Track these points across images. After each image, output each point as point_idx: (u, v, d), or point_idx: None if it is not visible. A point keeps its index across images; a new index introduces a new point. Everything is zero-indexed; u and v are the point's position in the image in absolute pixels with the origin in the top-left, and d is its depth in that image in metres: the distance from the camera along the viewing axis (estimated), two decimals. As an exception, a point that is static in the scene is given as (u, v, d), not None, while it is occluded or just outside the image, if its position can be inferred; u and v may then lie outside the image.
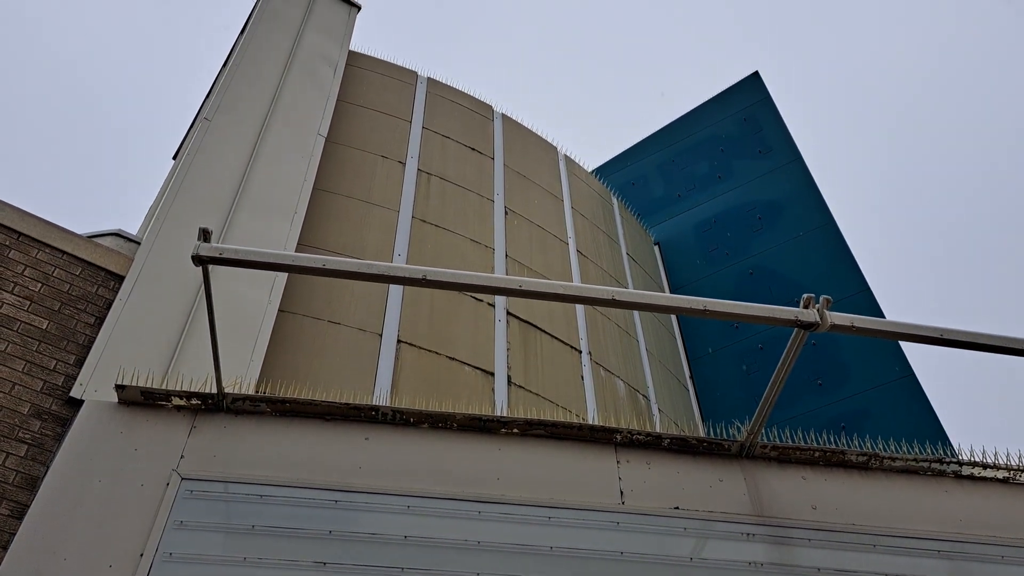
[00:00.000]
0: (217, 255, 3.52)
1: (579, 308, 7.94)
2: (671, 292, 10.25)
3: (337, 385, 5.19)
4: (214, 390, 4.07)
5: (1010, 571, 4.06)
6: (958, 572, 4.05)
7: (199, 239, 3.52)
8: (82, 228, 4.99)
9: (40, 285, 4.29)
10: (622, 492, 4.23)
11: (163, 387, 4.07)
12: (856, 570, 3.99)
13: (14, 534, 3.44)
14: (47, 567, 3.36)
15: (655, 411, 7.97)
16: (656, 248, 10.85)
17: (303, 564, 3.59)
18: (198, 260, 3.52)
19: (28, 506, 3.58)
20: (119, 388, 3.98)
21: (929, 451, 4.61)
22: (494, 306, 7.09)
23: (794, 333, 3.94)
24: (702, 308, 3.85)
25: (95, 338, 4.29)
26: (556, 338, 7.43)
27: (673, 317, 9.98)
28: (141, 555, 3.47)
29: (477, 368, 6.51)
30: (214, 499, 3.75)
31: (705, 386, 9.04)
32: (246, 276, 5.19)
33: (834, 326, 3.85)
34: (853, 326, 3.84)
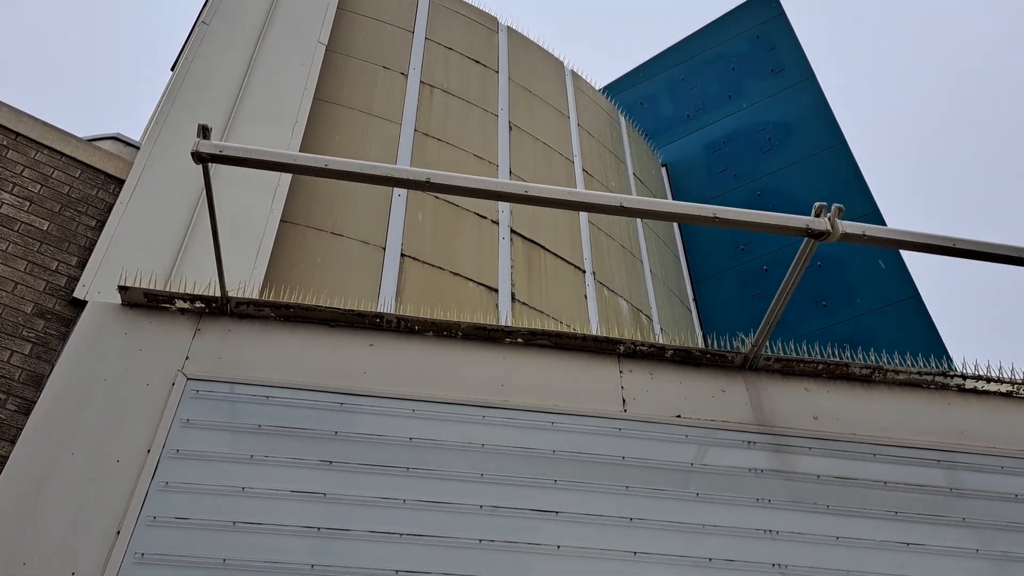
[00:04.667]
0: (217, 152, 3.45)
1: (584, 228, 7.87)
2: (676, 215, 10.14)
3: (341, 296, 5.17)
4: (218, 294, 4.04)
5: (1009, 481, 4.10)
6: (956, 481, 4.09)
7: (199, 136, 3.44)
8: (79, 134, 4.89)
9: (39, 186, 4.22)
10: (624, 400, 4.25)
11: (166, 290, 4.05)
12: (855, 478, 4.03)
13: (21, 428, 3.46)
14: (55, 461, 3.39)
15: (658, 330, 7.98)
16: (663, 170, 10.71)
17: (309, 463, 3.63)
18: (198, 158, 3.45)
19: (34, 402, 3.60)
20: (122, 290, 3.96)
21: (934, 365, 4.61)
22: (498, 224, 7.02)
23: (804, 243, 3.89)
24: (712, 215, 3.79)
25: (96, 240, 4.25)
26: (560, 257, 7.38)
27: (678, 238, 9.91)
28: (148, 451, 3.50)
29: (481, 284, 6.48)
30: (220, 399, 3.77)
31: (708, 308, 9.04)
32: (248, 183, 5.12)
33: (845, 235, 3.79)
34: (864, 235, 3.78)
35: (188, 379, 3.79)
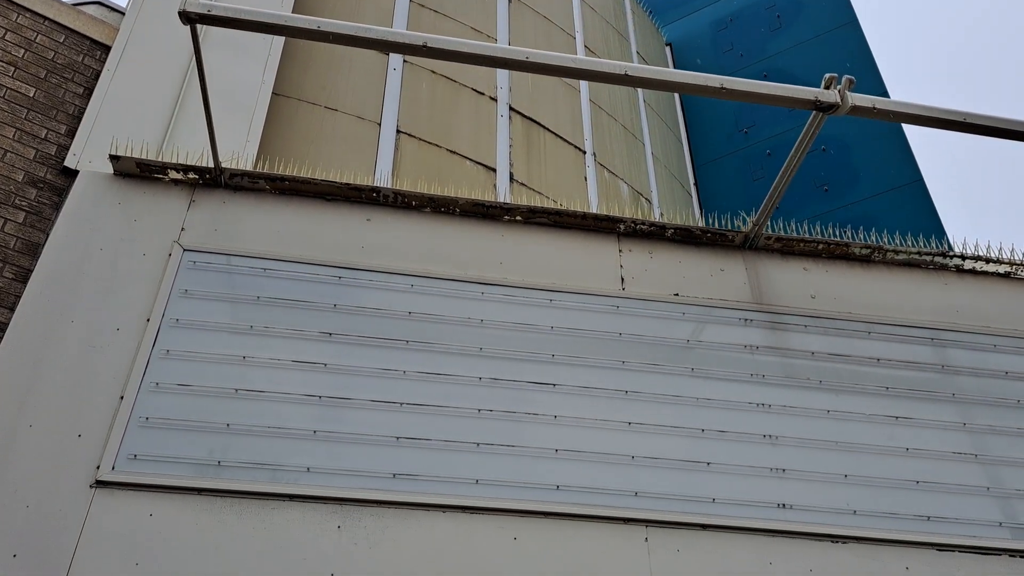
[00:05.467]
0: (205, 12, 3.29)
1: (585, 107, 7.68)
2: (681, 99, 9.91)
3: (336, 171, 5.08)
4: (211, 165, 3.97)
5: (1000, 359, 4.16)
6: (948, 359, 4.15)
7: (186, -6, 3.28)
8: (61, -2, 4.66)
9: (23, 51, 4.07)
10: (623, 279, 4.24)
11: (159, 160, 3.96)
12: (849, 355, 4.08)
13: (19, 296, 3.46)
14: (54, 329, 3.41)
15: (657, 215, 7.92)
16: (668, 49, 10.37)
17: (309, 334, 3.65)
18: (185, 18, 3.30)
19: (31, 271, 3.58)
20: (113, 159, 3.87)
21: (934, 246, 4.59)
22: (496, 101, 6.84)
23: (811, 116, 3.79)
24: (719, 86, 3.68)
25: (85, 109, 4.13)
26: (560, 137, 7.23)
27: (681, 120, 9.71)
28: (148, 320, 3.52)
29: (479, 163, 6.37)
30: (217, 271, 3.76)
31: (709, 192, 8.95)
32: (238, 53, 4.93)
33: (855, 108, 3.69)
34: (874, 108, 3.69)
35: (184, 250, 3.76)
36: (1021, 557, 3.53)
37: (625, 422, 3.70)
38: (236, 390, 3.41)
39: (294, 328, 3.64)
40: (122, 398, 3.28)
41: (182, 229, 3.84)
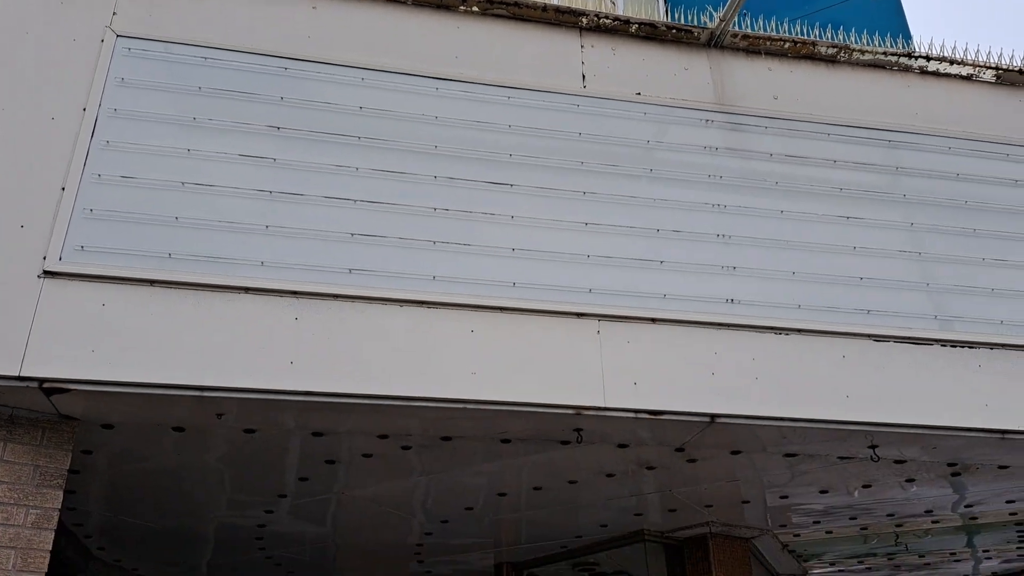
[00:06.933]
0: None
1: None
2: None
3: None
4: (139, -60, 3.63)
5: (953, 161, 4.20)
6: (902, 160, 4.17)
7: None
8: None
9: None
10: (584, 76, 4.11)
11: (80, -66, 3.61)
12: (807, 156, 4.08)
13: (-60, 81, 3.23)
14: (-16, 117, 3.22)
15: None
16: None
17: (255, 128, 3.52)
18: None
19: (-50, 53, 3.33)
20: (28, -69, 3.52)
21: (901, 46, 4.49)
22: None
23: None
24: None
25: None
26: (522, -71, 6.74)
27: (650, -82, 9.10)
28: (84, 109, 3.34)
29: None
30: (155, 59, 3.54)
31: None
32: None
33: None
34: None
35: (118, 36, 3.51)
36: (951, 346, 3.73)
37: (582, 222, 3.71)
38: (183, 183, 3.31)
39: (239, 120, 3.50)
40: (63, 189, 3.16)
41: (113, 13, 3.56)
